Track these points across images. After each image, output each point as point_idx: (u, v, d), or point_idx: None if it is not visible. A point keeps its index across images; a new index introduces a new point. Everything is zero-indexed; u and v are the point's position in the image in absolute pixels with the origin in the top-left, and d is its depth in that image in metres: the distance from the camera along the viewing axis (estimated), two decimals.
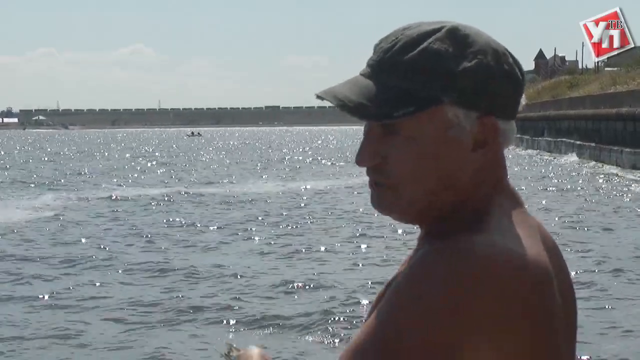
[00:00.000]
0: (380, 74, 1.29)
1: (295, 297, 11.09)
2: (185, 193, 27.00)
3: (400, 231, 16.00)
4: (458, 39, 1.29)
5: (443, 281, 1.18)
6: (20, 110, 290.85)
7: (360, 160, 1.31)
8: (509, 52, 1.33)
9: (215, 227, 18.31)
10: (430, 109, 1.26)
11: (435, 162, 1.27)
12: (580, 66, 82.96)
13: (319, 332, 9.32)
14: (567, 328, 1.30)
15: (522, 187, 25.28)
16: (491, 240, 1.22)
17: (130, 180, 34.06)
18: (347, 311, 10.10)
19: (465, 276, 1.18)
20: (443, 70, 1.27)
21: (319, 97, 1.29)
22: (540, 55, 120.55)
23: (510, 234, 1.25)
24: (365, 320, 1.27)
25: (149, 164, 47.39)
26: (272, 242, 15.98)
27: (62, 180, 34.19)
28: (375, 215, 16.05)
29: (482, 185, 1.30)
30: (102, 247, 15.63)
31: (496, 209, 1.29)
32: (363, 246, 15.11)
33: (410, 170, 1.27)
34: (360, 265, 13.33)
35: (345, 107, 1.27)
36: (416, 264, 1.23)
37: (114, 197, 25.62)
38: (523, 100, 1.34)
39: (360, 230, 17.23)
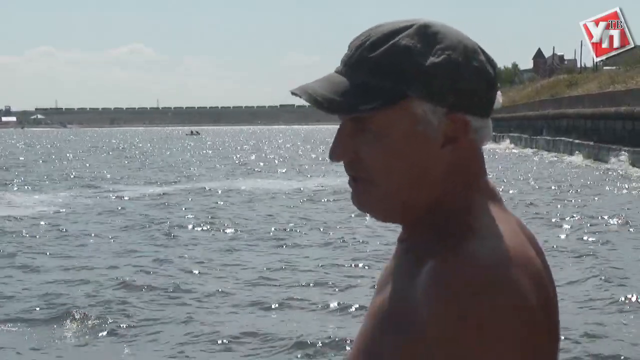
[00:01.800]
0: (351, 70, 1.31)
1: None
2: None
3: None
4: (427, 36, 1.30)
5: (459, 311, 1.17)
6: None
7: (332, 155, 1.33)
8: (482, 50, 1.33)
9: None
10: (398, 104, 1.28)
11: (405, 157, 1.29)
12: (578, 65, 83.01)
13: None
14: (555, 326, 1.30)
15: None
16: (488, 246, 1.23)
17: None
18: None
19: (474, 299, 1.17)
20: (410, 66, 1.28)
21: (293, 93, 1.31)
22: (538, 54, 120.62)
23: (498, 235, 1.25)
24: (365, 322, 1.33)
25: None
26: None
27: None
28: None
29: (454, 182, 1.31)
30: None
31: (478, 209, 1.29)
32: None
33: (381, 166, 1.29)
34: None
35: (315, 102, 1.28)
36: (427, 296, 1.21)
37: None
38: (499, 99, 1.34)
39: None
